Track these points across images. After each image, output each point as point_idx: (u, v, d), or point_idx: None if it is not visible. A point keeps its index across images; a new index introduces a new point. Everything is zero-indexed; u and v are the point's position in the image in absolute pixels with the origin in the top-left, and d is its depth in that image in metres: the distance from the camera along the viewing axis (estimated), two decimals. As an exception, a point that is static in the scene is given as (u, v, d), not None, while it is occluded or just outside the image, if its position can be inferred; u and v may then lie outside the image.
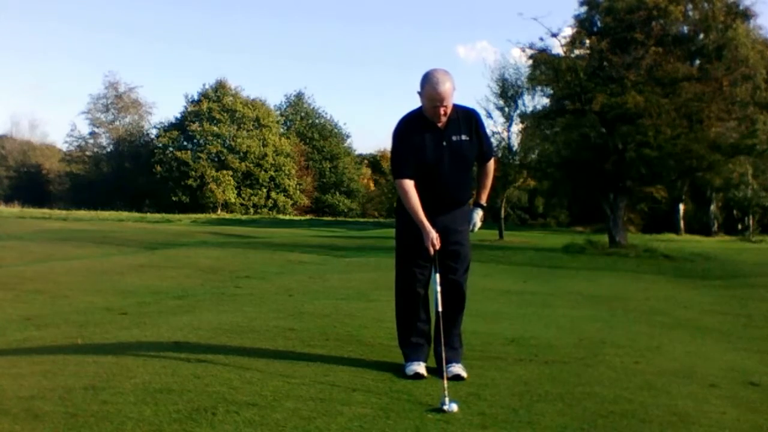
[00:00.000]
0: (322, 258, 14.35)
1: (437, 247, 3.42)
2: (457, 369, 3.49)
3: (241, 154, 55.20)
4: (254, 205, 55.81)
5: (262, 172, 55.68)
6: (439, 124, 3.47)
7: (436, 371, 3.45)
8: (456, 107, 3.49)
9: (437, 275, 3.45)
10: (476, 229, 3.73)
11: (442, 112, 3.40)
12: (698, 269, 14.30)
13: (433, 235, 3.40)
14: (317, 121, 64.93)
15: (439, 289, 3.43)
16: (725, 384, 3.67)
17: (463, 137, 3.50)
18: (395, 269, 3.68)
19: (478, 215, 3.73)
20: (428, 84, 3.36)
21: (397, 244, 3.69)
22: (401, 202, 3.56)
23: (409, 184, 3.46)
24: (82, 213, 40.26)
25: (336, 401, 2.97)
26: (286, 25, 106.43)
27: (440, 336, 3.42)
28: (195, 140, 55.70)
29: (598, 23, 21.86)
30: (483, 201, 3.79)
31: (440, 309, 3.41)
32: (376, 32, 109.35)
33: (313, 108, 65.60)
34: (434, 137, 3.47)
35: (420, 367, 3.50)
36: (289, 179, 57.00)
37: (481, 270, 11.16)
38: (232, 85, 58.19)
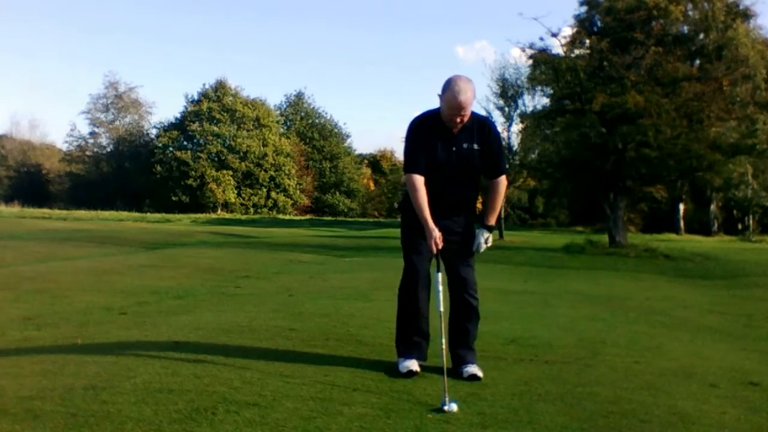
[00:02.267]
0: (322, 258, 14.34)
1: (440, 246, 3.42)
2: (474, 369, 3.54)
3: (241, 154, 55.21)
4: (254, 205, 55.82)
5: (262, 172, 55.69)
6: (454, 130, 3.48)
7: (438, 370, 3.45)
8: (473, 115, 3.49)
9: (439, 275, 3.47)
10: (482, 250, 3.62)
11: (458, 120, 3.41)
12: (698, 269, 14.29)
13: (437, 234, 3.42)
14: (317, 121, 65.00)
15: (440, 288, 3.44)
16: (725, 384, 3.67)
17: (474, 146, 3.50)
18: (404, 266, 3.63)
19: (484, 236, 3.60)
20: (449, 91, 3.36)
21: (403, 241, 3.66)
22: (407, 198, 3.56)
23: (419, 180, 3.47)
24: (82, 213, 40.25)
25: (336, 401, 2.97)
26: (286, 25, 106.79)
27: (441, 334, 3.41)
28: (195, 140, 55.73)
29: (598, 23, 21.88)
30: (491, 222, 3.64)
31: (441, 309, 3.42)
32: (376, 32, 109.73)
33: (313, 108, 65.77)
34: (445, 141, 3.48)
35: (413, 364, 3.51)
36: (289, 179, 57.02)
37: (481, 270, 11.10)
38: (232, 85, 58.41)
